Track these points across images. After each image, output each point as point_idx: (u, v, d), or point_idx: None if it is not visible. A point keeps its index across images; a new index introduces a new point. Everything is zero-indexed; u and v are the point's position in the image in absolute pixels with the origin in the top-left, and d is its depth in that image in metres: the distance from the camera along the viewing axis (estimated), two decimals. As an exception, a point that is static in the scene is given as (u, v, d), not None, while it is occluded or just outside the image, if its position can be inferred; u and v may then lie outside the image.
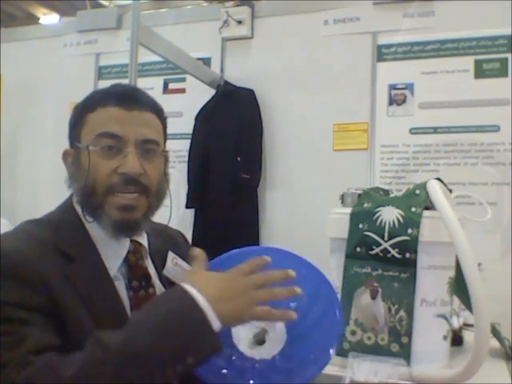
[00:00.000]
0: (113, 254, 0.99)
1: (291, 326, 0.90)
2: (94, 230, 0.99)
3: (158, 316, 0.78)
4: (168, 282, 1.07)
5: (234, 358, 0.88)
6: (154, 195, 1.01)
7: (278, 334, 0.90)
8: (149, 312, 0.81)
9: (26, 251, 0.89)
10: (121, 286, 0.98)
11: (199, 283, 0.82)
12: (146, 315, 0.80)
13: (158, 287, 1.04)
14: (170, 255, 1.10)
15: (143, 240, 1.06)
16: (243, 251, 1.00)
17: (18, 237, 0.94)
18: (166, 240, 1.14)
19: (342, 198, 1.16)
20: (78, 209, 1.00)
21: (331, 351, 0.87)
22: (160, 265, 1.08)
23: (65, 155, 1.04)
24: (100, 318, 0.91)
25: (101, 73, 2.89)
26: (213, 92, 2.56)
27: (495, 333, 1.25)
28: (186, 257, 1.14)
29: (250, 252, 0.99)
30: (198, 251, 0.94)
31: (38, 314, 0.84)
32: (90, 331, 0.84)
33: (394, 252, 1.01)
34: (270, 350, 0.89)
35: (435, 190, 1.01)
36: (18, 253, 0.88)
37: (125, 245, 1.01)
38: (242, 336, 0.90)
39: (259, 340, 0.90)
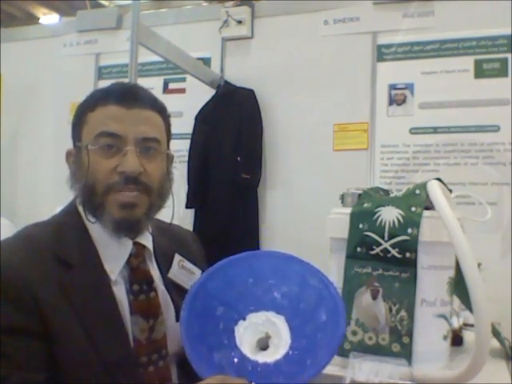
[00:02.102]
0: (114, 256, 0.98)
1: (297, 331, 0.90)
2: (96, 232, 0.98)
3: None
4: (173, 285, 1.05)
5: (235, 359, 0.87)
6: (156, 194, 0.99)
7: (282, 338, 0.90)
8: None
9: (20, 266, 0.88)
10: (121, 291, 0.97)
11: None
12: None
13: (161, 291, 1.02)
14: (177, 258, 1.08)
15: (147, 242, 1.04)
16: (253, 255, 1.00)
17: (16, 246, 0.94)
18: (175, 241, 1.12)
19: (342, 198, 1.16)
20: (81, 210, 0.99)
21: (332, 354, 0.86)
22: (166, 267, 1.06)
23: (67, 156, 1.03)
24: (95, 330, 0.90)
25: (101, 73, 2.89)
26: (213, 92, 2.56)
27: (495, 333, 1.25)
28: (194, 259, 1.12)
29: (255, 256, 1.00)
30: None
31: (25, 339, 0.83)
32: (83, 348, 0.84)
33: (394, 252, 1.01)
34: (274, 354, 0.88)
35: (435, 190, 1.01)
36: (12, 268, 0.87)
37: (127, 247, 1.00)
38: (246, 340, 0.90)
39: (263, 346, 0.89)
